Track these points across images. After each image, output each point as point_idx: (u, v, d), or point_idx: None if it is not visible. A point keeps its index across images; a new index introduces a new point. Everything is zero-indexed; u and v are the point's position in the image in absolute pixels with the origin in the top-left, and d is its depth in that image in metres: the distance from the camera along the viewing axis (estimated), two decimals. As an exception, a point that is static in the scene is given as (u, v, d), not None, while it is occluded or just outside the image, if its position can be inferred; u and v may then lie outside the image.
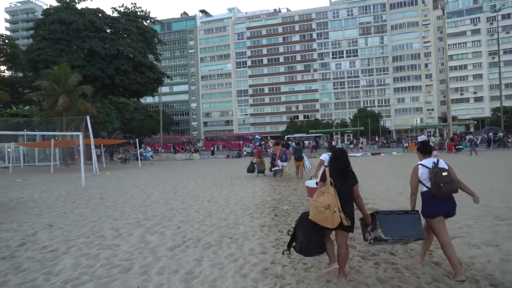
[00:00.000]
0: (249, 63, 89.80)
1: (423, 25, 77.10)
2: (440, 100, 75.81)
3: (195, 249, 5.28)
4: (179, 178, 16.32)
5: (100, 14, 36.78)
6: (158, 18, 42.94)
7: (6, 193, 12.57)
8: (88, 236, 6.22)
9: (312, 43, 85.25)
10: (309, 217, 3.77)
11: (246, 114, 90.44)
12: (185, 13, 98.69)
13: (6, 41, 44.19)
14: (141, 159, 30.82)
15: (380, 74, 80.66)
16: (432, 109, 76.88)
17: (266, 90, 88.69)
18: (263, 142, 39.19)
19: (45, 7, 43.96)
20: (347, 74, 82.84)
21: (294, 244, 4.05)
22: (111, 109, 52.89)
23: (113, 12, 38.51)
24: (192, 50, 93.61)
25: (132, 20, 37.69)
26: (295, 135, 56.18)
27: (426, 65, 77.30)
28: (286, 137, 54.34)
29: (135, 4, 39.10)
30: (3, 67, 46.84)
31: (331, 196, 3.66)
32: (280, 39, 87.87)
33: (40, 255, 5.17)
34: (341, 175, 3.85)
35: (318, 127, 69.73)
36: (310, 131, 62.28)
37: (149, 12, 39.72)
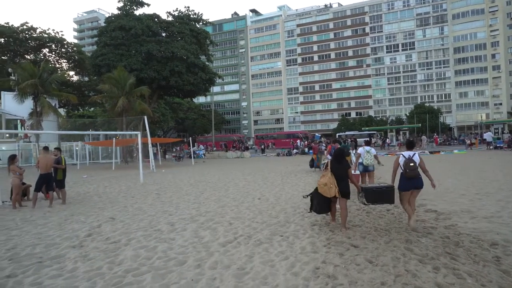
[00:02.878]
0: (299, 60, 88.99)
1: (490, 12, 70.91)
2: (509, 94, 69.44)
3: (246, 245, 5.36)
4: (230, 176, 16.64)
5: (156, 19, 38.63)
6: (210, 20, 44.06)
7: (75, 187, 13.68)
8: (146, 229, 6.58)
9: (365, 37, 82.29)
10: (318, 191, 6.09)
11: (297, 112, 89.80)
12: (235, 13, 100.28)
13: (74, 48, 48.12)
14: (194, 157, 31.89)
15: (440, 67, 75.71)
16: (500, 104, 70.57)
17: (317, 88, 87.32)
18: (322, 140, 38.87)
19: (107, 15, 47.13)
20: (402, 69, 78.86)
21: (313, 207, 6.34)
22: (166, 109, 55.36)
23: (168, 16, 40.26)
24: (243, 50, 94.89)
25: (185, 23, 39.08)
26: (347, 132, 54.64)
27: (493, 56, 71.09)
28: (337, 134, 53.08)
29: (188, 7, 40.48)
30: (72, 73, 51.13)
31: (327, 177, 5.91)
32: (331, 35, 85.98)
33: (104, 246, 5.57)
34: (337, 162, 6.02)
35: (371, 124, 67.25)
36: (362, 128, 60.28)
37: (201, 14, 40.93)
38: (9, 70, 35.56)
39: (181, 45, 36.71)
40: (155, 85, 36.38)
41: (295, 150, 39.15)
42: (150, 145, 22.64)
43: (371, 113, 79.48)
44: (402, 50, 78.82)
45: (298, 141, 45.12)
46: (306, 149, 38.31)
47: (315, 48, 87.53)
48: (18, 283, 4.16)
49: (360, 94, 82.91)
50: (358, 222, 6.52)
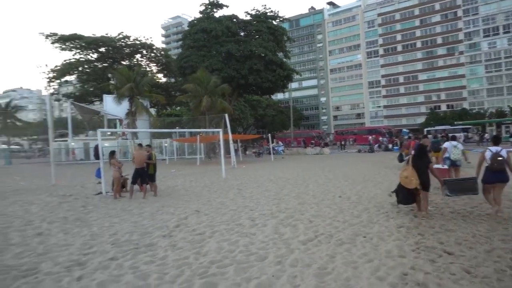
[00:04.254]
0: (381, 51, 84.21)
1: None
2: None
3: (327, 244, 5.23)
4: (309, 173, 16.47)
5: (234, 20, 39.83)
6: (286, 16, 43.95)
7: (164, 181, 14.80)
8: (228, 223, 6.83)
9: (457, 22, 74.47)
10: (400, 183, 6.89)
11: (379, 106, 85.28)
12: (312, 7, 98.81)
13: (162, 53, 52.15)
14: (273, 153, 32.27)
15: (553, 50, 65.23)
16: None
17: (401, 80, 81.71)
18: (411, 135, 36.73)
19: (190, 19, 50.00)
20: (504, 54, 69.61)
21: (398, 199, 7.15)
22: (245, 107, 56.83)
23: (246, 16, 41.24)
24: (321, 44, 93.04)
25: (262, 21, 39.59)
26: (437, 127, 50.12)
27: None
28: (425, 130, 49.07)
29: (265, 5, 40.98)
30: (160, 75, 55.53)
31: (409, 171, 6.63)
32: (417, 22, 79.57)
33: (191, 237, 5.91)
34: (419, 158, 6.69)
35: (465, 118, 60.74)
36: (455, 122, 54.77)
37: (278, 11, 41.08)
38: (109, 75, 39.93)
39: (259, 43, 37.31)
40: (235, 83, 37.57)
41: (376, 145, 37.28)
42: (231, 142, 23.45)
43: (465, 105, 71.69)
44: (504, 32, 69.53)
45: (383, 138, 42.95)
46: (390, 145, 36.23)
47: (398, 37, 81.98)
48: (119, 265, 4.63)
49: (451, 85, 75.42)
50: (452, 227, 5.92)
